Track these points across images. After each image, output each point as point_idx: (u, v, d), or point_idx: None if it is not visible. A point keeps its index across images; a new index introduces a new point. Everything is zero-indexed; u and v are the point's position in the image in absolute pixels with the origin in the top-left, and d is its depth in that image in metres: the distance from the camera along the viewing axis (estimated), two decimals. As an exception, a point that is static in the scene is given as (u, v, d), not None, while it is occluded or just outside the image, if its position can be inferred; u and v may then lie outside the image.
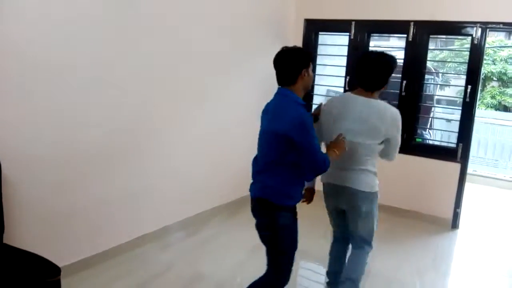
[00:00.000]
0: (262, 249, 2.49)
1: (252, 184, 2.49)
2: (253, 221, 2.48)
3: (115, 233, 3.45)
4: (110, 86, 3.20)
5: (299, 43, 5.19)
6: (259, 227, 2.47)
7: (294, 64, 2.33)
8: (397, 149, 2.72)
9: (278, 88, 2.41)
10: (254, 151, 2.52)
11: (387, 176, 4.79)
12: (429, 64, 6.30)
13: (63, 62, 2.85)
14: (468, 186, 4.84)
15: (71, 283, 2.89)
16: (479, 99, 8.87)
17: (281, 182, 2.36)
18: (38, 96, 2.76)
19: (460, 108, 4.55)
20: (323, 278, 3.48)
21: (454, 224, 4.61)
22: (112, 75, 3.20)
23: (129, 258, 3.45)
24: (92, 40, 3.00)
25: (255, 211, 2.47)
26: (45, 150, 2.84)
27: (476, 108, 4.48)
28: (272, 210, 2.37)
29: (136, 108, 3.44)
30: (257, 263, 3.39)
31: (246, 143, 4.74)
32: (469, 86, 4.38)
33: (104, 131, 3.21)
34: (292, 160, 2.33)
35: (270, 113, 2.40)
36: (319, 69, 5.26)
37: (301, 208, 2.53)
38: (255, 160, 2.51)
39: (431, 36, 4.64)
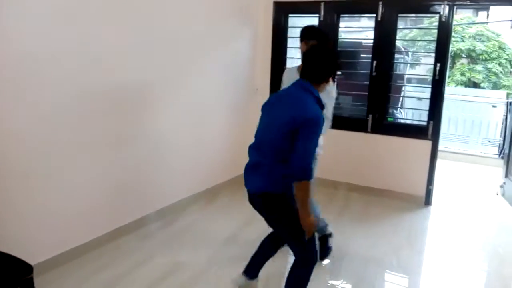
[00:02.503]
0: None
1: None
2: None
3: (92, 225, 3.38)
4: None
5: (269, 26, 5.13)
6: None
7: (330, 67, 2.27)
8: None
9: (302, 80, 2.29)
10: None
11: (360, 156, 4.89)
12: (398, 44, 6.34)
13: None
14: (440, 162, 4.93)
15: (49, 278, 2.86)
16: (449, 77, 9.01)
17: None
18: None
19: (430, 86, 4.60)
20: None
21: (427, 201, 4.70)
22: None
23: (107, 250, 3.39)
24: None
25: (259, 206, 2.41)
26: (10, 146, 2.74)
27: (446, 85, 4.53)
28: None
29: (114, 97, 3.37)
30: (234, 250, 3.41)
31: (222, 130, 4.72)
32: (438, 64, 4.41)
33: (80, 122, 3.12)
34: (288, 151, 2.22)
35: (284, 102, 2.30)
36: (290, 52, 5.23)
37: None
38: (254, 150, 2.39)
39: (400, 15, 4.65)
